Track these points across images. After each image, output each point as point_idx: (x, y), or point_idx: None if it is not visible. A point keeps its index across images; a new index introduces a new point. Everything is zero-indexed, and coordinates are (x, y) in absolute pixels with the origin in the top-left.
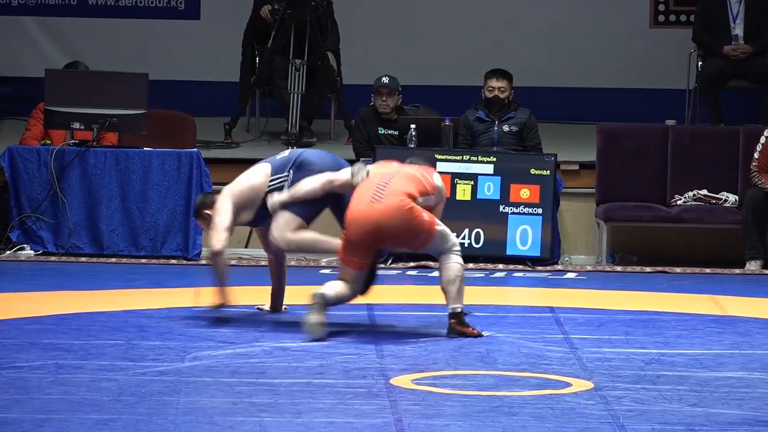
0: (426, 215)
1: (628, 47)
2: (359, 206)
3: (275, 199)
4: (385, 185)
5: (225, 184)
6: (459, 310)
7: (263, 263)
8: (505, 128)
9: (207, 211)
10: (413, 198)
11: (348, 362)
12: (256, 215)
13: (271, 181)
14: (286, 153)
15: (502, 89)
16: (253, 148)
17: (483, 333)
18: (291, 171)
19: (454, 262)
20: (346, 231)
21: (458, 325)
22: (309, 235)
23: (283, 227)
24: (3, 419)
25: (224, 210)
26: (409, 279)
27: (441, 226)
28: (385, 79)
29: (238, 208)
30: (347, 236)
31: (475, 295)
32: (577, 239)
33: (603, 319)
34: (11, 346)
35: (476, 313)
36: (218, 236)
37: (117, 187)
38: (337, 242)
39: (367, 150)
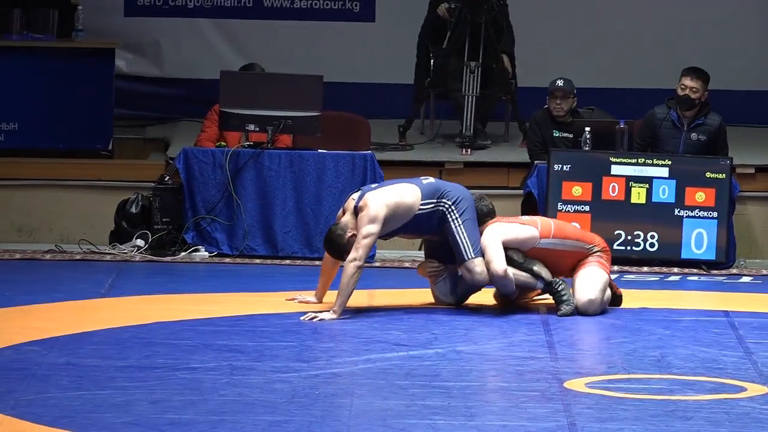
0: None
1: None
2: None
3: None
4: None
5: None
6: None
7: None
8: (693, 136)
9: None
10: None
11: (522, 365)
12: (394, 230)
13: (422, 204)
14: (431, 180)
15: (694, 89)
16: (428, 150)
17: None
18: (445, 201)
19: None
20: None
21: None
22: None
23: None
24: (178, 420)
25: (378, 223)
26: None
27: None
28: (560, 82)
29: (386, 222)
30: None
31: (649, 299)
32: (753, 243)
33: None
34: (186, 347)
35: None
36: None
37: (291, 189)
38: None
39: (541, 153)
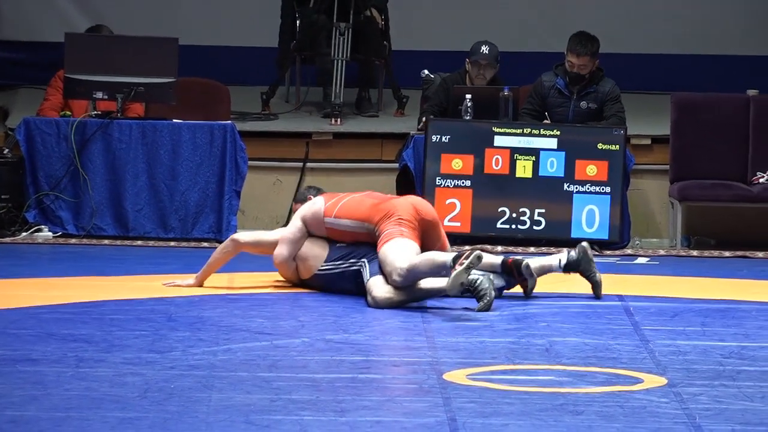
0: None
1: (707, 10)
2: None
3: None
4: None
5: (262, 159)
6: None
7: None
8: (583, 105)
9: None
10: None
11: (397, 356)
12: None
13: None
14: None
15: (582, 66)
16: (293, 120)
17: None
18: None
19: None
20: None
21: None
22: None
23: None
24: (19, 417)
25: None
26: None
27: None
28: (485, 49)
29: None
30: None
31: (537, 283)
32: (648, 221)
33: (677, 309)
34: (27, 337)
35: (538, 301)
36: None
37: (143, 163)
38: None
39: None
